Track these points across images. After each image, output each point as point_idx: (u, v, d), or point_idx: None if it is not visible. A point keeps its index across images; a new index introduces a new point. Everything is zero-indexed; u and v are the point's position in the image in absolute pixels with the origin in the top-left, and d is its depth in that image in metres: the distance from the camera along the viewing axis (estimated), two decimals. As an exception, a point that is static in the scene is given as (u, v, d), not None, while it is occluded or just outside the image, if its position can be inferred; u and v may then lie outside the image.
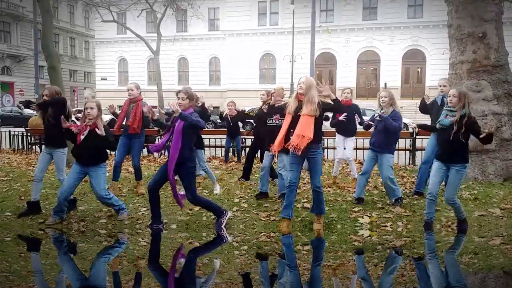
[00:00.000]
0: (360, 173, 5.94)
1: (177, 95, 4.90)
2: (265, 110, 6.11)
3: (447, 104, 4.91)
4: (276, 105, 5.74)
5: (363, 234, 5.03)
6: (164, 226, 5.23)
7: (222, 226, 5.12)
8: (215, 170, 8.06)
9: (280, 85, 6.50)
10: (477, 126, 4.72)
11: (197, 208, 5.64)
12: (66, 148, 5.59)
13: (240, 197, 6.19)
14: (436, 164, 4.96)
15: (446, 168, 4.88)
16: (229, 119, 8.69)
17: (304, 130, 4.68)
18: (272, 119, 5.76)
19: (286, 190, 5.07)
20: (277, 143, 4.91)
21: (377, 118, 5.58)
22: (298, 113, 4.77)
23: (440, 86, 6.13)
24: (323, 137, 5.82)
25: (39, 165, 5.56)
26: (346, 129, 6.78)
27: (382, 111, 5.57)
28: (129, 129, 6.16)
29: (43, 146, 5.80)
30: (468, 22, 7.04)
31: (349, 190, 6.39)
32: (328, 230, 5.16)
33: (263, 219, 5.44)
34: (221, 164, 8.77)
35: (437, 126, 4.91)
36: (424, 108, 6.39)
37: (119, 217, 5.40)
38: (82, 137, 4.96)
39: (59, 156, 5.51)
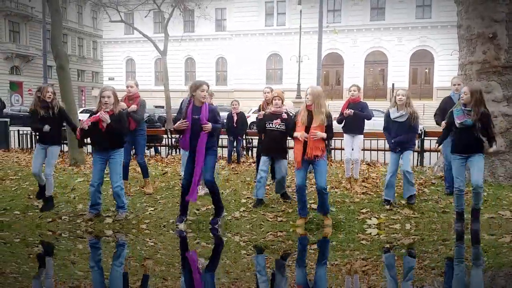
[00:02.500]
0: (390, 175, 5.74)
1: (205, 89, 5.04)
2: (260, 117, 6.19)
3: (460, 101, 5.04)
4: (276, 109, 5.76)
5: (371, 233, 5.00)
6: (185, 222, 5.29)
7: (217, 226, 5.23)
8: (221, 171, 8.05)
9: (280, 89, 6.43)
10: (490, 120, 4.93)
11: (203, 208, 5.65)
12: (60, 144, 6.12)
13: (247, 197, 6.17)
14: (456, 162, 5.11)
15: (465, 162, 5.07)
16: (234, 119, 8.71)
17: (318, 141, 4.92)
18: (272, 123, 5.73)
19: (297, 194, 5.23)
20: (299, 160, 5.03)
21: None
22: (309, 124, 4.96)
23: (455, 84, 6.20)
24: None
25: (37, 160, 5.75)
26: (353, 127, 6.55)
27: (396, 110, 5.55)
28: (130, 125, 6.10)
29: (37, 144, 5.94)
30: (478, 23, 6.98)
31: (356, 192, 6.35)
32: (335, 229, 5.15)
33: (270, 220, 5.43)
34: (227, 165, 8.77)
35: (458, 125, 4.96)
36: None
37: (118, 215, 5.49)
38: (104, 124, 5.15)
39: (54, 151, 5.79)
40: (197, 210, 5.63)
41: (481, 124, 4.86)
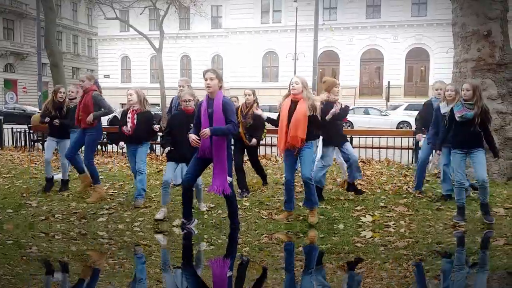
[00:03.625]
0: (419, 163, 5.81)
1: (204, 75, 4.56)
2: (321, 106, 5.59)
3: (461, 98, 5.05)
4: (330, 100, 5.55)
5: (365, 236, 5.00)
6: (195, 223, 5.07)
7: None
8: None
9: (332, 78, 6.07)
10: (488, 116, 5.03)
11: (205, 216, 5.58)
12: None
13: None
14: (456, 157, 5.14)
15: (465, 157, 5.11)
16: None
17: (299, 130, 4.83)
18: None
19: (285, 188, 5.23)
20: (281, 148, 5.03)
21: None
22: (292, 113, 4.89)
23: (437, 89, 6.15)
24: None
25: (49, 150, 6.53)
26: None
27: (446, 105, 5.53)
28: (81, 122, 5.91)
29: (48, 137, 6.65)
30: (473, 20, 6.98)
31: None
32: (331, 231, 5.13)
33: (265, 217, 5.41)
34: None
35: (458, 119, 4.99)
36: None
37: (135, 202, 5.77)
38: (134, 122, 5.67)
39: (66, 144, 6.44)
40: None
41: (480, 119, 4.93)
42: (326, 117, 5.36)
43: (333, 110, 5.42)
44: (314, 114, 4.90)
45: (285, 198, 5.30)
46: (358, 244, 4.66)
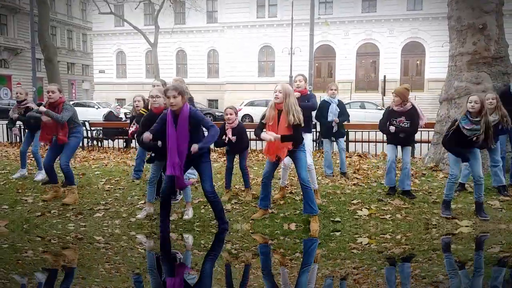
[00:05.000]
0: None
1: (165, 94, 4.47)
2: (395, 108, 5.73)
3: (468, 111, 4.96)
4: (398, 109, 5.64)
5: (361, 242, 5.02)
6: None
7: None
8: (213, 163, 8.00)
9: (406, 85, 6.13)
10: (491, 131, 4.95)
11: (202, 210, 5.59)
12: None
13: (241, 189, 6.15)
14: (453, 157, 5.15)
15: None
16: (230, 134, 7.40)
17: (284, 144, 4.70)
18: (396, 121, 5.64)
19: (261, 183, 5.13)
20: (272, 156, 4.87)
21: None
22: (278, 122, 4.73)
23: (332, 89, 6.50)
24: None
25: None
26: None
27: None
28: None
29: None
30: (468, 14, 6.99)
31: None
32: (327, 237, 5.14)
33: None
34: (220, 157, 8.72)
35: (468, 133, 4.93)
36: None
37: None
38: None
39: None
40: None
41: (485, 134, 4.88)
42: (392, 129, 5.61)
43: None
44: (298, 122, 4.65)
45: (261, 195, 5.16)
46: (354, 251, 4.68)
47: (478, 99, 4.91)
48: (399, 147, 5.88)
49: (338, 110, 6.59)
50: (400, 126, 5.62)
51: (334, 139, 6.86)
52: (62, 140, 5.64)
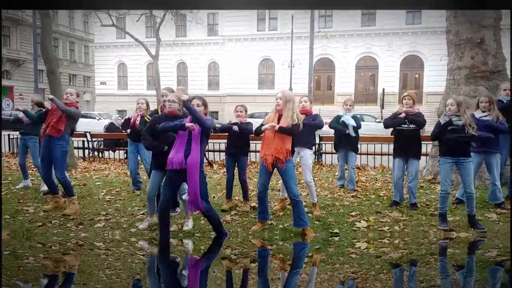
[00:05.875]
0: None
1: (190, 100, 4.48)
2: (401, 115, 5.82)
3: (447, 112, 5.22)
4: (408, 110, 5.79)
5: (360, 246, 5.04)
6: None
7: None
8: (213, 175, 8.05)
9: (412, 90, 6.40)
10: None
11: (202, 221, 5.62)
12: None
13: (240, 200, 6.18)
14: (445, 166, 5.24)
15: (453, 165, 5.20)
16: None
17: (283, 142, 4.80)
18: (407, 124, 5.77)
19: (258, 199, 5.13)
20: (269, 158, 4.86)
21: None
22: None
23: (347, 105, 6.81)
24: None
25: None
26: (299, 139, 5.31)
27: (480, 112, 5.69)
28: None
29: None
30: (467, 28, 7.10)
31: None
32: (326, 242, 5.16)
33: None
34: (219, 168, 8.78)
35: (449, 128, 5.09)
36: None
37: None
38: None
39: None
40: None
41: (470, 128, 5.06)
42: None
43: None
44: (297, 122, 4.77)
45: (258, 209, 5.22)
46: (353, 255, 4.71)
47: (453, 101, 5.18)
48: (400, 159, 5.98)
49: (355, 124, 6.71)
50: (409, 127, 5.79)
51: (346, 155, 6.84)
52: (50, 131, 5.60)
